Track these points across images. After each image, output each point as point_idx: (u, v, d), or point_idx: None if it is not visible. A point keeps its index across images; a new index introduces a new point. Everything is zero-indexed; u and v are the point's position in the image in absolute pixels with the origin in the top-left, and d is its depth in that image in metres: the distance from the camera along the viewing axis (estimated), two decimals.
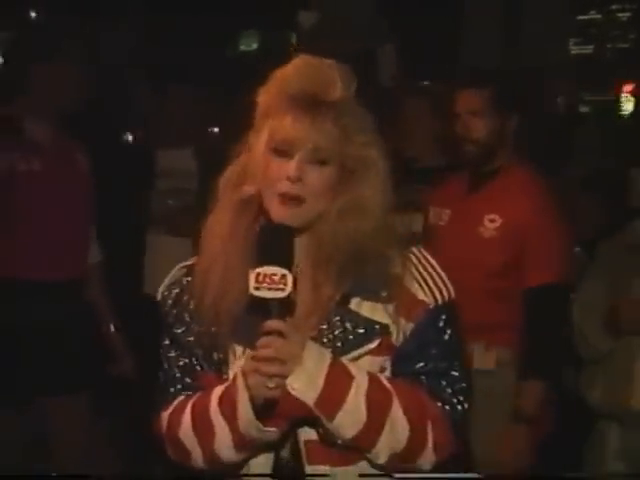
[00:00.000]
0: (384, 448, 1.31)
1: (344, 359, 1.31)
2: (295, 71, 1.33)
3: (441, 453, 1.34)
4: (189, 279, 1.42)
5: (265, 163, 1.32)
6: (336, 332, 1.33)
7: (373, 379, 1.32)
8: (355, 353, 1.33)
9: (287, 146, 1.30)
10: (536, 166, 2.56)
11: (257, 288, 1.23)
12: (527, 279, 2.35)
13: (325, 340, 1.32)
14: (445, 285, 1.38)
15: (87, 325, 2.73)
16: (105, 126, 3.24)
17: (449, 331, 1.37)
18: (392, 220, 1.38)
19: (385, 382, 1.33)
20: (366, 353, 1.33)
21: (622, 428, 2.35)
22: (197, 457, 1.37)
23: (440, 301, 1.36)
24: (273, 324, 1.25)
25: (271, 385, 1.26)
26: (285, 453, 1.35)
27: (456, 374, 1.37)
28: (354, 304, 1.34)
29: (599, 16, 15.01)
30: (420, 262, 1.38)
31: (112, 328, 2.83)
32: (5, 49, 2.69)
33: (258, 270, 1.24)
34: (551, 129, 4.71)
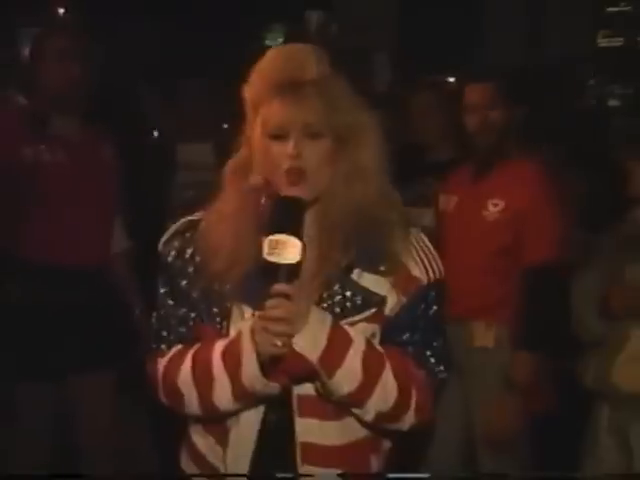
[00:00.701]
0: (373, 407, 1.43)
1: (342, 323, 1.43)
2: (271, 61, 1.45)
3: (420, 416, 1.48)
4: (193, 233, 1.51)
5: (265, 150, 1.43)
6: (336, 299, 1.44)
7: (369, 344, 1.43)
8: (351, 319, 1.44)
9: (281, 130, 1.41)
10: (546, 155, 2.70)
11: (270, 254, 1.34)
12: (526, 258, 2.48)
13: (325, 305, 1.43)
14: (438, 265, 1.50)
15: (114, 308, 2.87)
16: (129, 120, 3.38)
17: (435, 307, 1.50)
18: (391, 186, 1.48)
19: (379, 348, 1.45)
20: (361, 320, 1.44)
21: (612, 407, 2.46)
22: (192, 405, 1.47)
23: (432, 279, 1.48)
24: (282, 287, 1.34)
25: (278, 343, 1.35)
26: (275, 404, 1.45)
27: (437, 345, 1.50)
28: (355, 274, 1.45)
29: (628, 8, 14.91)
30: (418, 242, 1.50)
31: (137, 312, 2.98)
32: (29, 45, 2.81)
33: (271, 237, 1.34)
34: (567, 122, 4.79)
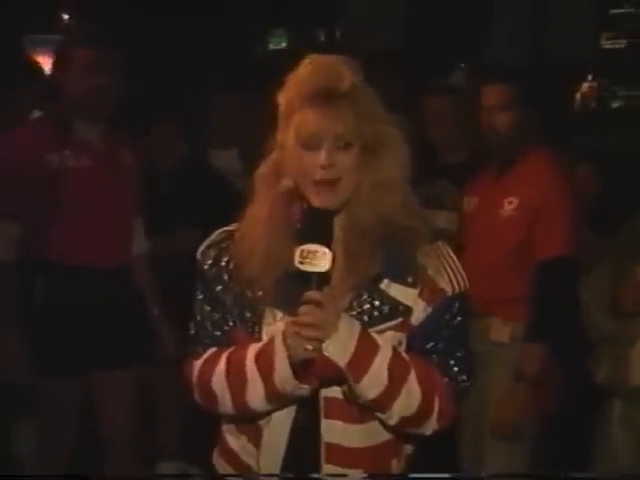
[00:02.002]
0: (397, 411, 1.49)
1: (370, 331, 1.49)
2: (307, 72, 1.50)
3: (442, 422, 1.54)
4: (229, 242, 1.58)
5: (298, 158, 1.49)
6: (365, 307, 1.50)
7: (395, 351, 1.50)
8: (378, 328, 1.50)
9: (314, 139, 1.47)
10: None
11: (301, 262, 1.42)
12: (539, 252, 2.55)
13: (354, 313, 1.49)
14: (462, 277, 1.56)
15: (134, 308, 2.95)
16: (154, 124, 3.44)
17: (460, 317, 1.56)
18: (414, 196, 1.55)
19: (405, 356, 1.51)
20: (388, 329, 1.51)
21: (624, 403, 2.53)
22: (226, 404, 1.53)
23: (457, 290, 1.54)
24: (314, 295, 1.42)
25: (309, 347, 1.43)
26: (304, 404, 1.52)
27: (461, 355, 1.56)
28: (384, 285, 1.51)
29: (632, 10, 14.97)
30: (443, 255, 1.56)
31: (157, 312, 3.05)
32: (52, 54, 2.87)
33: (303, 247, 1.42)
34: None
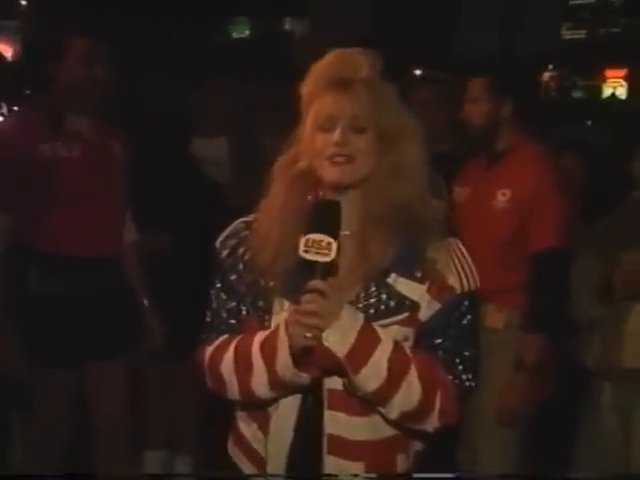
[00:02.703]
0: (397, 405, 1.49)
1: (374, 324, 1.49)
2: (328, 61, 1.55)
3: (444, 420, 1.53)
4: (247, 233, 1.61)
5: (312, 140, 1.53)
6: (371, 300, 1.51)
7: (397, 346, 1.49)
8: (384, 321, 1.50)
9: (330, 121, 1.51)
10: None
11: (306, 251, 1.42)
12: (531, 244, 2.61)
13: (361, 305, 1.50)
14: (473, 275, 1.56)
15: (123, 298, 2.94)
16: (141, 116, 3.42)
17: (469, 316, 1.55)
18: (430, 193, 1.57)
19: (407, 351, 1.51)
20: (394, 323, 1.51)
21: (613, 386, 2.61)
22: (233, 390, 1.56)
23: (466, 288, 1.54)
24: (316, 284, 1.43)
25: (309, 335, 1.43)
26: (308, 396, 1.54)
27: (468, 354, 1.55)
28: (391, 279, 1.51)
29: (592, 0, 15.19)
30: (454, 251, 1.56)
31: (146, 302, 3.05)
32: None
33: (307, 236, 1.42)
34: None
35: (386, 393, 1.48)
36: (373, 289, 1.51)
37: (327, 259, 1.41)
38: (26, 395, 2.73)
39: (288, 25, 13.97)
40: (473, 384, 1.56)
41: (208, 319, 1.66)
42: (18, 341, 2.63)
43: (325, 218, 1.45)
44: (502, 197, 2.66)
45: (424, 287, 1.52)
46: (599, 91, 13.59)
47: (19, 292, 2.68)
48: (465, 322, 1.55)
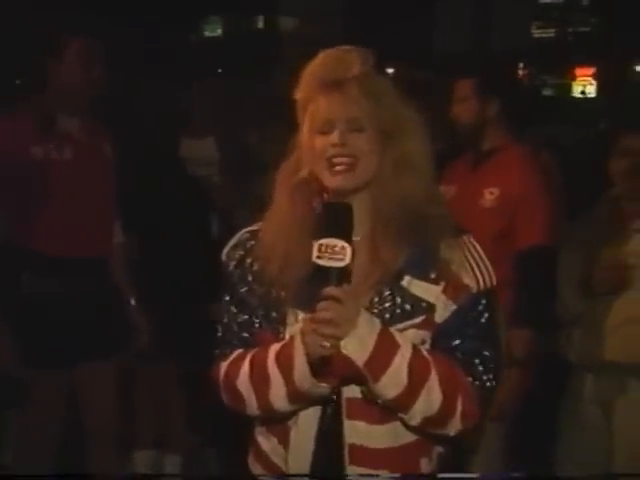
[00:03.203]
0: (418, 412, 1.45)
1: (391, 329, 1.45)
2: (318, 62, 1.52)
3: (466, 423, 1.49)
4: (252, 243, 1.57)
5: (311, 145, 1.49)
6: (386, 305, 1.47)
7: (416, 350, 1.45)
8: (400, 325, 1.46)
9: (327, 124, 1.47)
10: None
11: (319, 257, 1.37)
12: (519, 241, 2.68)
13: (375, 311, 1.46)
14: (489, 273, 1.51)
15: (111, 298, 2.96)
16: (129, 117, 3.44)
17: (487, 315, 1.50)
18: (438, 189, 1.56)
19: (426, 354, 1.46)
20: (410, 327, 1.47)
21: (595, 378, 2.68)
22: (252, 405, 1.52)
23: (482, 287, 1.49)
24: (332, 290, 1.38)
25: (326, 344, 1.39)
26: (329, 408, 1.50)
27: (488, 354, 1.50)
28: (405, 282, 1.47)
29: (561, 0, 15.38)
30: (468, 249, 1.51)
31: (132, 302, 3.07)
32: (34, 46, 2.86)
33: (321, 241, 1.38)
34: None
35: (407, 400, 1.45)
36: (387, 293, 1.47)
37: (342, 264, 1.37)
38: (18, 394, 2.75)
39: (261, 23, 13.94)
40: (494, 384, 1.52)
41: (220, 334, 1.61)
42: (10, 341, 2.65)
43: (337, 221, 1.40)
44: (490, 195, 2.72)
45: (439, 288, 1.48)
46: (569, 89, 13.77)
47: (9, 292, 2.70)
48: (483, 321, 1.50)
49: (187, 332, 3.27)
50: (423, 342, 1.49)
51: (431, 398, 1.45)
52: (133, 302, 3.06)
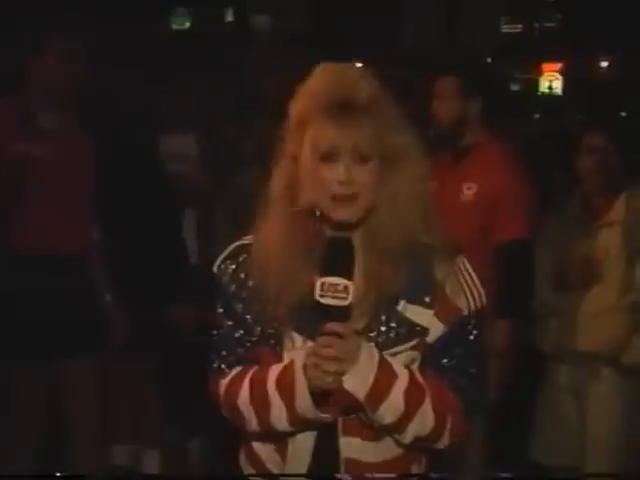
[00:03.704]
0: (411, 433, 1.50)
1: (385, 354, 1.48)
2: (322, 81, 1.45)
3: (454, 439, 1.54)
4: (245, 257, 1.54)
5: (314, 172, 1.44)
6: (382, 328, 1.48)
7: (412, 377, 1.48)
8: (395, 349, 1.49)
9: (332, 152, 1.42)
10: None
11: (322, 296, 1.37)
12: (498, 235, 2.75)
13: (371, 335, 1.47)
14: (480, 295, 1.53)
15: (88, 296, 2.98)
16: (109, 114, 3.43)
17: (475, 333, 1.54)
18: (436, 213, 1.53)
19: (420, 380, 1.49)
20: (404, 350, 1.49)
21: (569, 369, 2.76)
22: (252, 424, 1.54)
23: (473, 309, 1.52)
24: (335, 326, 1.39)
25: (329, 380, 1.41)
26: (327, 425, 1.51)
27: (474, 371, 1.55)
28: (400, 306, 1.48)
29: None
30: (461, 272, 1.52)
31: (109, 298, 3.08)
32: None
33: (323, 280, 1.38)
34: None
35: (402, 424, 1.49)
36: (383, 317, 1.49)
37: (344, 303, 1.38)
38: None
39: (230, 18, 13.89)
40: (479, 399, 1.58)
41: (215, 347, 1.61)
42: None
43: (339, 259, 1.40)
44: (468, 191, 2.79)
45: (432, 312, 1.50)
46: (536, 84, 13.94)
47: None
48: (471, 339, 1.54)
49: (164, 329, 3.30)
50: (414, 361, 1.53)
51: (424, 421, 1.49)
52: (110, 299, 3.07)
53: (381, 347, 1.48)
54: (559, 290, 2.75)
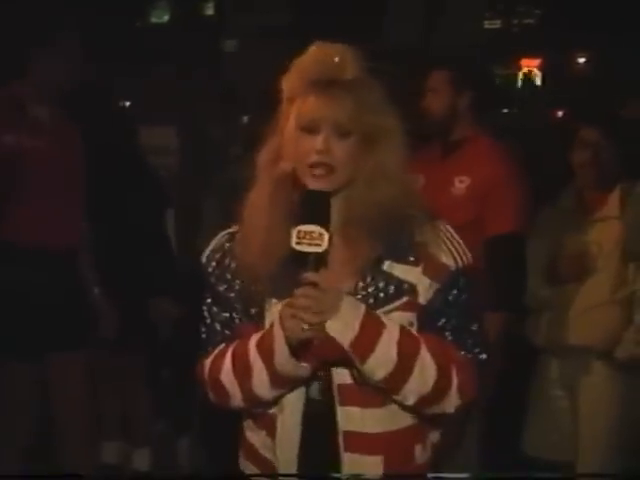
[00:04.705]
0: (412, 390, 1.47)
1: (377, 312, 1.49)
2: (312, 58, 1.51)
3: (464, 397, 1.51)
4: (230, 244, 1.60)
5: (296, 141, 1.51)
6: (370, 289, 1.50)
7: (404, 329, 1.48)
8: (386, 308, 1.50)
9: (313, 124, 1.48)
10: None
11: (298, 243, 1.42)
12: (490, 228, 2.76)
13: (359, 296, 1.50)
14: (465, 253, 1.56)
15: (78, 290, 2.95)
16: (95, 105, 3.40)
17: (467, 293, 1.55)
18: (412, 183, 1.60)
19: (415, 332, 1.50)
20: (395, 309, 1.50)
21: (560, 363, 2.78)
22: (236, 397, 1.55)
23: (461, 265, 1.54)
24: (311, 276, 1.42)
25: (305, 327, 1.42)
26: (316, 393, 1.52)
27: (474, 329, 1.55)
28: (386, 266, 1.51)
29: None
30: (442, 231, 1.56)
31: (96, 294, 3.06)
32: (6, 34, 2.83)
33: (299, 228, 1.43)
34: None
35: (398, 379, 1.47)
36: (370, 278, 1.51)
37: (319, 249, 1.42)
38: None
39: (210, 10, 13.79)
40: (486, 356, 1.56)
41: (203, 335, 1.65)
42: None
43: (315, 209, 1.45)
44: (460, 184, 2.79)
45: (419, 269, 1.52)
46: (514, 79, 13.99)
47: None
48: (464, 298, 1.55)
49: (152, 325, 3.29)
50: (411, 324, 1.52)
51: (424, 374, 1.47)
52: (97, 295, 3.05)
53: (372, 307, 1.48)
54: (552, 284, 2.75)
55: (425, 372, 1.47)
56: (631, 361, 2.66)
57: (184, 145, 3.72)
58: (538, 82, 13.32)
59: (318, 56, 1.52)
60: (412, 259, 1.52)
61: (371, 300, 1.50)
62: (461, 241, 1.57)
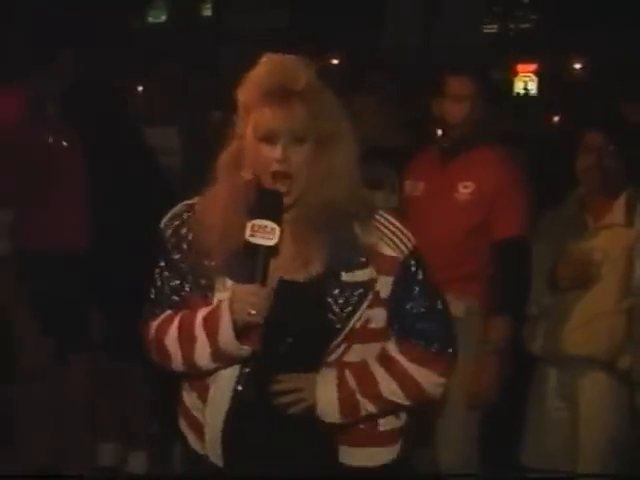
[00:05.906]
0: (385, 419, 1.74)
1: (353, 320, 1.65)
2: (264, 70, 1.63)
3: (444, 375, 1.73)
4: (189, 215, 1.72)
5: (255, 150, 1.63)
6: (340, 301, 1.65)
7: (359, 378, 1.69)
8: (361, 313, 1.66)
9: (270, 134, 1.61)
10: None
11: (252, 235, 1.58)
12: (493, 233, 2.75)
13: (337, 309, 1.65)
14: (406, 236, 1.69)
15: (77, 295, 2.94)
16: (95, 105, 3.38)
17: (421, 271, 1.70)
18: (361, 186, 1.69)
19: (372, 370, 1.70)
20: (367, 308, 1.66)
21: (559, 372, 2.75)
22: (177, 362, 1.69)
23: (406, 251, 1.68)
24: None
25: (252, 312, 1.57)
26: (245, 370, 1.67)
27: (441, 307, 1.73)
28: (345, 276, 1.66)
29: None
30: (383, 224, 1.68)
31: (95, 298, 3.05)
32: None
33: (253, 222, 1.58)
34: None
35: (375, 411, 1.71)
36: (336, 292, 1.65)
37: (271, 243, 1.57)
38: None
39: (208, 12, 13.81)
40: (455, 344, 1.73)
41: (152, 296, 1.75)
42: None
43: (268, 206, 1.59)
44: (464, 189, 2.78)
45: (372, 269, 1.65)
46: (510, 85, 14.02)
47: None
48: (420, 277, 1.70)
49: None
50: (384, 320, 1.69)
51: (396, 400, 1.70)
52: (97, 299, 3.05)
53: (351, 313, 1.64)
54: (553, 291, 2.73)
55: (397, 397, 1.70)
56: (635, 371, 2.62)
57: (184, 145, 3.70)
58: (539, 87, 13.38)
59: (269, 68, 1.63)
60: (363, 260, 1.65)
61: (349, 309, 1.65)
62: (399, 225, 1.70)
